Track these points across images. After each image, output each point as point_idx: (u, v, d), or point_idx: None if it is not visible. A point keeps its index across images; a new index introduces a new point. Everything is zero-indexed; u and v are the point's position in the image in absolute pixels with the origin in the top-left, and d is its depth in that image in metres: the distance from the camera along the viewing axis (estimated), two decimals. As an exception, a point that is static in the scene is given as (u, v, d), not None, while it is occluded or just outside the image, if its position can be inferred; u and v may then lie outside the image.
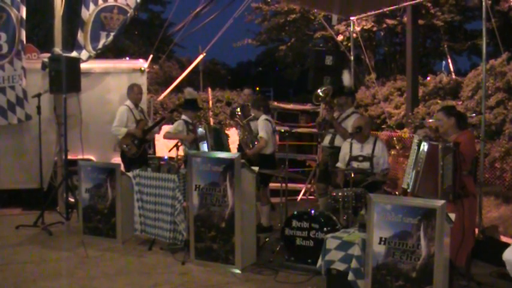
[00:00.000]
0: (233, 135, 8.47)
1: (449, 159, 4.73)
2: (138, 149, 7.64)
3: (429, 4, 16.20)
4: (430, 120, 8.63)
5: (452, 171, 4.72)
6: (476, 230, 5.90)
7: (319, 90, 7.34)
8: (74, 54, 8.00)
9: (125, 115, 7.64)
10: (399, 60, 18.72)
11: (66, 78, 7.41)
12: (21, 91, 8.03)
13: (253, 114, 7.43)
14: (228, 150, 7.58)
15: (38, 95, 7.51)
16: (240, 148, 7.81)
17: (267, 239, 6.55)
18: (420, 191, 4.94)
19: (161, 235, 6.39)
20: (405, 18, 14.33)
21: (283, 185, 6.40)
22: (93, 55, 8.16)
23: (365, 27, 16.59)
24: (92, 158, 8.64)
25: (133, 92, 7.80)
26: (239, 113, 7.81)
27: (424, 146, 4.94)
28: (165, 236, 6.34)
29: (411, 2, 9.19)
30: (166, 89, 12.28)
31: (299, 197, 9.83)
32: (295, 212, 5.78)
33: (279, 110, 10.78)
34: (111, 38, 8.17)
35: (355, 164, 6.25)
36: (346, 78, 7.51)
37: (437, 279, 4.05)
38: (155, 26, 24.80)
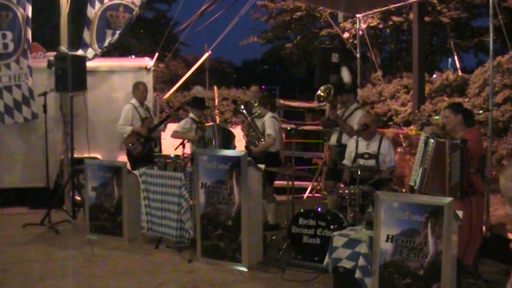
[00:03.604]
0: (239, 134, 8.45)
1: (457, 156, 4.70)
2: (143, 148, 7.65)
3: (435, 1, 16.14)
4: (437, 118, 8.59)
5: (459, 168, 4.69)
6: (484, 228, 5.87)
7: (319, 91, 7.31)
8: (80, 52, 8.00)
9: (130, 113, 7.66)
10: (405, 57, 18.69)
11: (72, 76, 7.41)
12: (28, 90, 8.04)
13: (259, 112, 7.41)
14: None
15: (44, 94, 7.52)
16: (247, 146, 7.79)
17: (273, 237, 6.53)
18: (427, 188, 4.91)
19: (168, 233, 6.38)
20: (411, 16, 14.26)
21: (290, 182, 6.38)
22: (99, 53, 8.17)
23: (371, 24, 16.54)
24: (98, 156, 8.65)
25: (139, 90, 7.81)
26: (244, 111, 7.79)
27: (432, 143, 4.92)
28: (171, 234, 6.34)
29: (417, -1, 9.17)
30: (172, 88, 12.30)
31: (305, 195, 9.81)
32: (302, 210, 5.76)
33: (285, 108, 10.75)
34: (117, 36, 8.18)
35: (361, 162, 6.21)
36: (346, 75, 7.44)
37: (445, 277, 4.02)
38: (161, 24, 24.92)
